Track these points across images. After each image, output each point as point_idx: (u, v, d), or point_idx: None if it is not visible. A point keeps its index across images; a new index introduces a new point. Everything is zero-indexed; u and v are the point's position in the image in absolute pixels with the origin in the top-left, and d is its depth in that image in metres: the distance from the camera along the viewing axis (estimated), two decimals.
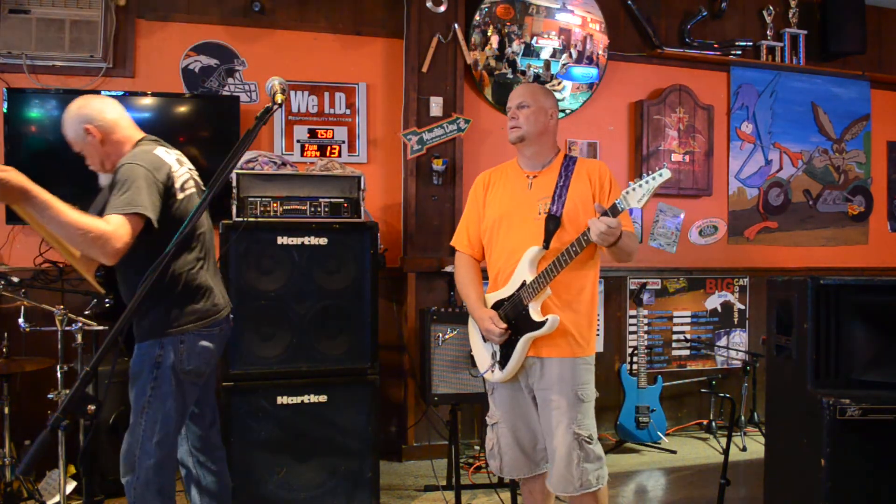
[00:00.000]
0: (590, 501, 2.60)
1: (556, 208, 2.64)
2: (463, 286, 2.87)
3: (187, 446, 2.81)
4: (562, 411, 2.57)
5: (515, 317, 2.64)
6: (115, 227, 2.28)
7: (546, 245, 2.61)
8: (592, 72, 5.08)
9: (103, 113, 2.59)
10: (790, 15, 5.55)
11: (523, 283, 2.61)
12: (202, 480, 2.83)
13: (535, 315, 2.58)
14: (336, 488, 3.57)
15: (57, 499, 3.32)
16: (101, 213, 2.39)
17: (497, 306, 2.72)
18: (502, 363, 2.70)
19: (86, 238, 2.23)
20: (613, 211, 2.42)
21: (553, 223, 2.62)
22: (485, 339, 2.77)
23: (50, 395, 3.41)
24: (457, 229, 2.96)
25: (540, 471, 2.78)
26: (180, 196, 2.56)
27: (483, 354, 2.82)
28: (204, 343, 2.61)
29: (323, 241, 3.58)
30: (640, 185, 2.37)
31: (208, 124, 4.41)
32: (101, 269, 2.63)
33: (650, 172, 2.37)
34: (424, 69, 4.61)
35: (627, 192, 2.39)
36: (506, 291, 2.69)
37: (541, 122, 2.73)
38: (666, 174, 2.35)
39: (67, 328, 3.37)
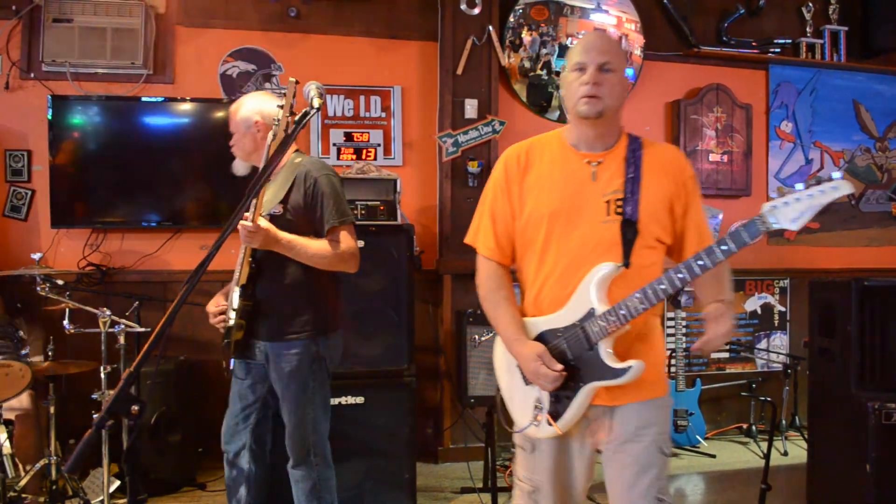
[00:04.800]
0: None
1: (631, 210, 1.98)
2: (492, 305, 2.13)
3: (248, 440, 2.88)
4: (640, 469, 1.99)
5: (577, 357, 1.97)
6: (346, 243, 2.68)
7: (626, 262, 1.95)
8: (628, 72, 5.04)
9: (274, 112, 2.73)
10: (830, 11, 5.45)
11: (590, 313, 1.94)
12: (252, 475, 2.90)
13: (610, 359, 1.93)
14: (373, 489, 3.58)
15: (101, 497, 3.38)
16: (295, 213, 2.66)
17: (544, 339, 2.02)
18: (554, 415, 2.02)
19: (331, 262, 2.66)
20: (752, 231, 1.77)
21: (630, 231, 1.97)
22: (526, 382, 2.07)
23: (94, 396, 3.48)
24: (474, 224, 2.20)
25: None
26: None
27: (521, 401, 2.10)
28: (342, 341, 2.88)
29: (360, 243, 3.59)
30: (800, 200, 1.74)
31: None
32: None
33: (814, 183, 1.75)
34: (459, 71, 4.61)
35: (776, 207, 1.74)
36: (560, 320, 2.00)
37: (623, 93, 2.05)
38: (844, 188, 1.72)
39: (110, 330, 3.44)
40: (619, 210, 1.98)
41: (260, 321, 2.70)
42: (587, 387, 1.96)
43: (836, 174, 1.71)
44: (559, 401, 2.00)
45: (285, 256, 2.63)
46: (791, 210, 1.73)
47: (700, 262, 1.82)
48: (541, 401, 2.03)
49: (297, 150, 2.86)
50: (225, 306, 2.75)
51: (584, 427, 2.04)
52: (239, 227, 2.48)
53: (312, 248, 2.63)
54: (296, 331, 2.71)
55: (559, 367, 1.96)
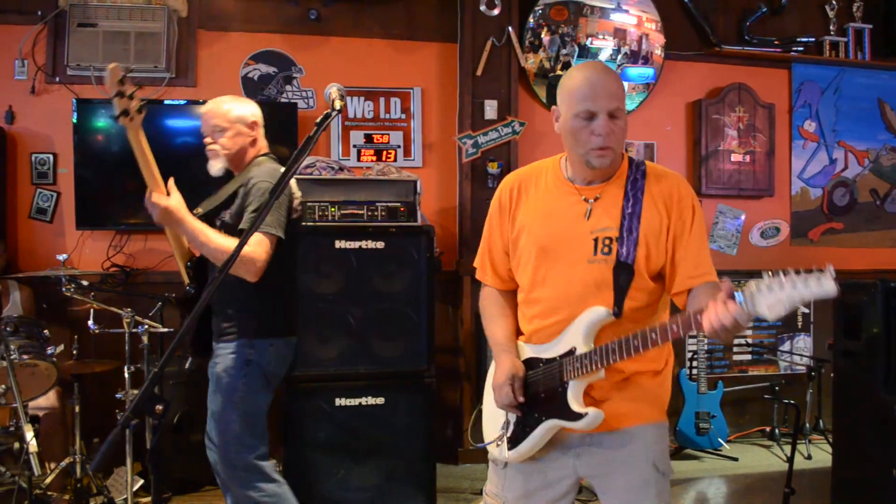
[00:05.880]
0: None
1: (627, 251, 1.86)
2: (488, 321, 2.16)
3: None
4: (636, 492, 1.88)
5: (547, 390, 1.92)
6: (254, 248, 2.47)
7: (618, 311, 1.86)
8: (648, 71, 5.01)
9: (258, 116, 2.83)
10: (854, 9, 5.38)
11: (571, 351, 1.87)
12: None
13: (574, 401, 1.85)
14: (393, 490, 3.59)
15: (125, 496, 3.42)
16: (234, 218, 2.64)
17: (528, 365, 1.99)
18: (513, 441, 1.96)
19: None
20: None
21: (625, 276, 1.87)
22: None
23: (118, 395, 3.53)
24: (479, 252, 2.18)
25: None
26: (294, 216, 2.74)
27: (495, 418, 2.07)
28: (288, 350, 2.77)
29: (380, 244, 3.62)
30: (780, 288, 1.53)
31: (267, 131, 4.41)
32: (191, 260, 2.78)
33: (801, 272, 1.51)
34: (479, 73, 4.61)
35: (754, 293, 1.56)
36: (547, 350, 1.95)
37: (626, 134, 1.93)
38: (829, 288, 1.46)
39: (134, 330, 3.49)
40: (608, 249, 1.88)
41: (213, 321, 2.74)
42: (548, 423, 1.90)
43: (831, 268, 1.47)
44: (522, 429, 1.95)
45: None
46: (767, 298, 1.55)
47: (674, 328, 1.69)
48: (508, 423, 1.99)
49: (265, 155, 2.82)
50: None
51: (565, 451, 1.94)
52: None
53: (213, 241, 2.50)
54: (231, 331, 2.67)
55: (521, 399, 1.92)
